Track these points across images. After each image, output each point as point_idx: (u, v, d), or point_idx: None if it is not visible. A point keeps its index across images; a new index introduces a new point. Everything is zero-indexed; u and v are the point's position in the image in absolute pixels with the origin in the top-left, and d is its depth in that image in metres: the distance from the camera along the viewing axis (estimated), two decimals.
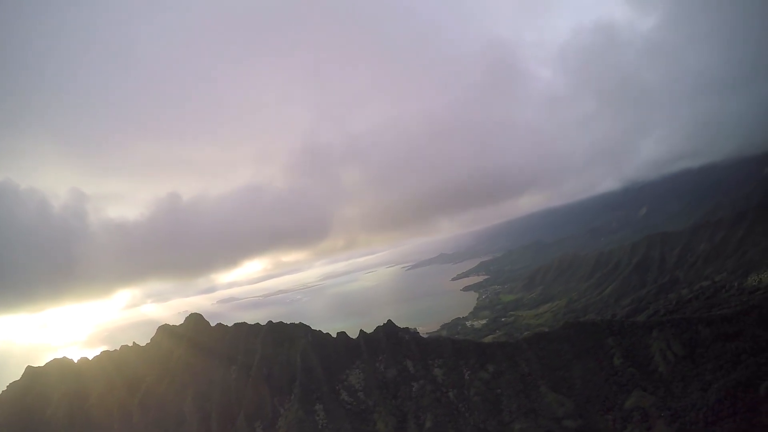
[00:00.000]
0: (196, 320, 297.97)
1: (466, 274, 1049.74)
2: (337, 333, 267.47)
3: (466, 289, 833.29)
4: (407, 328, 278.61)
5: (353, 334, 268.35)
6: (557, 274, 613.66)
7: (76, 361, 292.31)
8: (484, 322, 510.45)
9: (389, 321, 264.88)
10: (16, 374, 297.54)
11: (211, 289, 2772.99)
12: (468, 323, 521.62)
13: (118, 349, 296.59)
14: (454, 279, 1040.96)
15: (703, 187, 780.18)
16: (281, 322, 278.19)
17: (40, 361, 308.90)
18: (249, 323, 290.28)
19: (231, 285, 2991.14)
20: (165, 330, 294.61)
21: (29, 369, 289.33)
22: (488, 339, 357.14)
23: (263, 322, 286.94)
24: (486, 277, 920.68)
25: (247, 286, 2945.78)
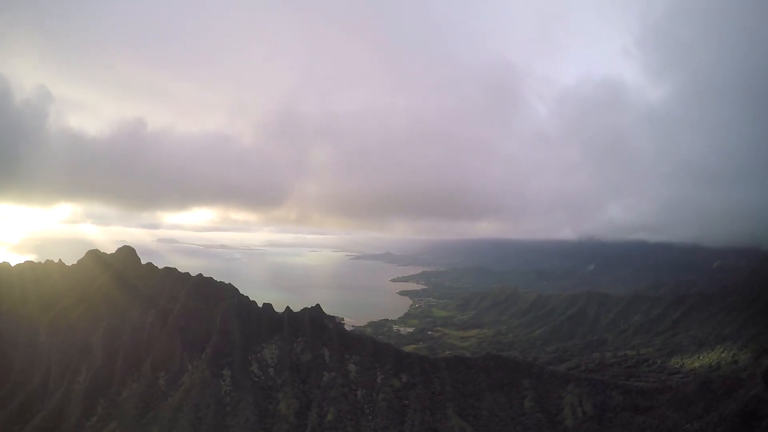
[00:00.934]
0: (127, 254, 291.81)
1: (406, 279, 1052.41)
2: (263, 304, 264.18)
3: (403, 293, 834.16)
4: (334, 317, 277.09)
5: (279, 309, 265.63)
6: (493, 303, 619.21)
7: None
8: (410, 330, 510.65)
9: (317, 305, 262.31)
10: None
11: (155, 226, 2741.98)
12: (395, 327, 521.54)
13: (42, 262, 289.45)
14: (393, 280, 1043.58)
15: (652, 263, 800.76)
16: (211, 278, 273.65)
17: None
18: (179, 270, 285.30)
19: (175, 227, 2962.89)
20: (94, 255, 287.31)
21: None
22: (409, 348, 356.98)
23: (195, 272, 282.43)
24: (425, 287, 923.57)
25: (191, 232, 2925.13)
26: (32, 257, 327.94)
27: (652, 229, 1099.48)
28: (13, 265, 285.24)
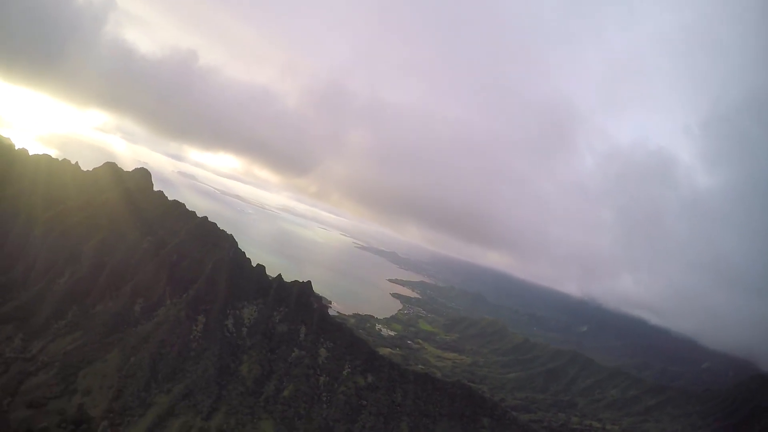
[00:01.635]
0: (142, 176, 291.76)
1: (403, 283, 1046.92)
2: (258, 264, 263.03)
3: (396, 295, 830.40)
4: (322, 297, 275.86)
5: (272, 274, 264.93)
6: (479, 333, 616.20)
7: (16, 147, 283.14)
8: (392, 334, 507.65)
9: (308, 282, 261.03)
10: None
11: (179, 158, 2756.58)
12: (378, 326, 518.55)
13: (60, 159, 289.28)
14: (391, 280, 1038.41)
15: (645, 343, 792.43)
16: (215, 224, 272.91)
17: None
18: (187, 207, 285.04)
19: (198, 165, 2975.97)
20: (110, 168, 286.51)
21: None
22: (384, 351, 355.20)
23: (202, 214, 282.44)
24: (419, 296, 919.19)
25: (212, 174, 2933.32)
26: (54, 152, 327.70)
27: (655, 311, 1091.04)
28: (31, 153, 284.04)
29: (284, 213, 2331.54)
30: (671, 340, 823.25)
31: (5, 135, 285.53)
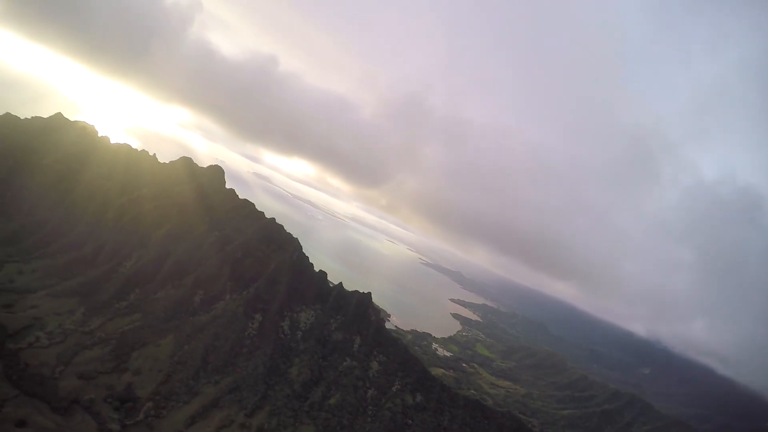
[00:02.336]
0: (215, 172, 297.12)
1: (465, 304, 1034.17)
2: (320, 270, 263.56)
3: (456, 316, 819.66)
4: (381, 310, 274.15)
5: (333, 279, 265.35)
6: (536, 364, 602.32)
7: (99, 135, 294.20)
8: (447, 354, 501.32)
9: (369, 294, 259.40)
10: (46, 113, 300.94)
11: (255, 160, 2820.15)
12: (434, 345, 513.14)
13: (139, 150, 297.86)
14: (453, 300, 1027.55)
15: (709, 393, 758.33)
16: (281, 226, 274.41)
17: (74, 115, 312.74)
18: (257, 208, 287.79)
19: (273, 168, 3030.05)
20: (186, 162, 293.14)
21: (58, 115, 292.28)
22: (437, 371, 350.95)
23: (276, 216, 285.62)
24: (479, 319, 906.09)
25: (286, 178, 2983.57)
26: (137, 143, 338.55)
27: (725, 360, 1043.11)
28: (112, 142, 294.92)
29: (353, 222, 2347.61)
30: (738, 393, 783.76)
31: (90, 123, 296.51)
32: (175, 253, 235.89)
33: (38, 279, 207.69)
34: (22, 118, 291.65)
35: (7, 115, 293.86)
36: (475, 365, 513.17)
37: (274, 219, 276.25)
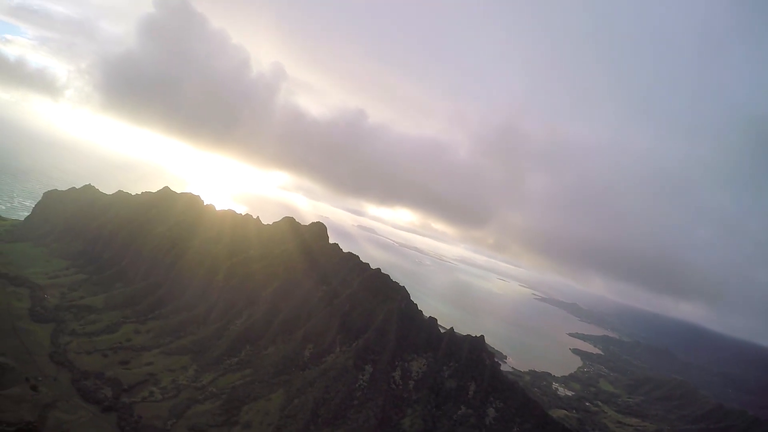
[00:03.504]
0: (318, 229, 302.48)
1: (583, 337, 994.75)
2: (429, 316, 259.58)
3: (575, 351, 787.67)
4: (495, 352, 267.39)
5: (444, 323, 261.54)
6: (665, 395, 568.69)
7: (205, 203, 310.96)
8: (569, 393, 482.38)
9: (481, 337, 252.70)
10: (155, 188, 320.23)
11: (358, 213, 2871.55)
12: (554, 385, 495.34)
13: (243, 214, 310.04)
14: (571, 334, 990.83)
15: None
16: (387, 275, 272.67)
17: (180, 188, 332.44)
18: (361, 259, 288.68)
19: (376, 219, 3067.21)
20: (289, 221, 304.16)
21: (166, 189, 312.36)
22: (559, 413, 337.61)
23: (383, 265, 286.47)
24: (600, 352, 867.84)
25: (390, 227, 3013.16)
26: (244, 208, 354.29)
27: None
28: (218, 209, 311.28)
29: (461, 264, 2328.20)
30: None
31: (196, 193, 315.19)
32: (284, 310, 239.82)
33: (153, 338, 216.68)
34: (133, 194, 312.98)
35: (120, 192, 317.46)
36: (600, 403, 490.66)
37: (379, 269, 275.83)
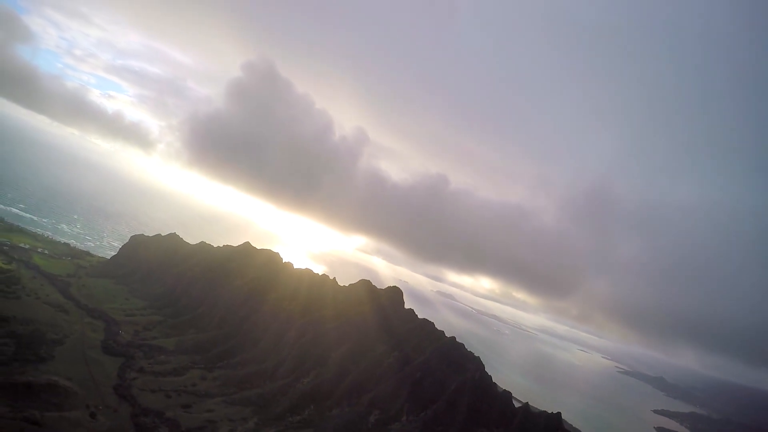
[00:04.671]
0: (394, 293, 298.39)
1: (670, 414, 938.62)
2: (504, 390, 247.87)
3: (660, 430, 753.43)
4: (572, 431, 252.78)
5: (520, 397, 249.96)
6: None
7: (283, 260, 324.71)
8: None
9: (558, 414, 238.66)
10: (235, 242, 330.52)
11: (438, 279, 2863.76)
12: None
13: (320, 273, 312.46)
14: (656, 411, 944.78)
15: None
16: (462, 345, 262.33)
17: (261, 244, 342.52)
18: (437, 326, 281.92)
19: (456, 285, 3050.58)
20: (365, 284, 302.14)
21: (247, 244, 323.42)
22: None
23: (460, 332, 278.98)
24: (687, 431, 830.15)
25: (469, 294, 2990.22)
26: (322, 268, 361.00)
27: None
28: (295, 267, 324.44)
29: (541, 334, 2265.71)
30: None
31: (275, 250, 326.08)
32: (353, 372, 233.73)
33: (218, 386, 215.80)
34: (215, 245, 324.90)
35: (203, 243, 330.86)
36: None
37: (454, 338, 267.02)
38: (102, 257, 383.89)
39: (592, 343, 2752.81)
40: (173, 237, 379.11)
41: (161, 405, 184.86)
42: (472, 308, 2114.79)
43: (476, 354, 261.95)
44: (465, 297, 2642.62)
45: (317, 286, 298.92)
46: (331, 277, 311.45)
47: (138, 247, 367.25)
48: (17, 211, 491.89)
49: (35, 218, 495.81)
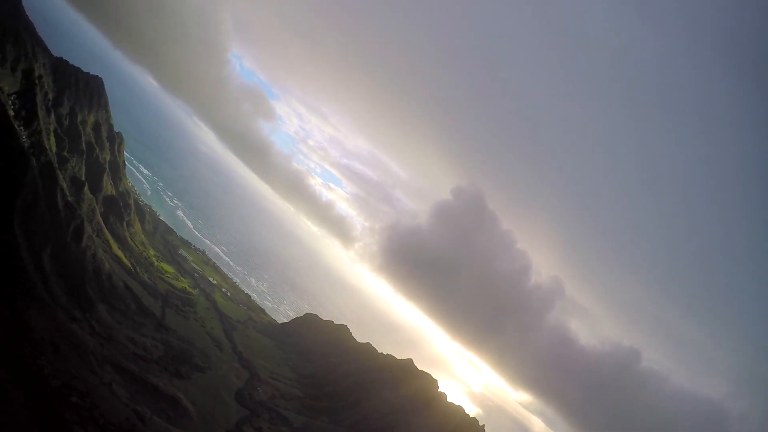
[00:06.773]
0: None
1: None
2: None
3: None
4: None
5: None
6: None
7: (438, 389, 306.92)
8: None
9: None
10: (400, 354, 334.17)
11: None
12: None
13: (470, 416, 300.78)
14: None
15: None
16: None
17: (422, 365, 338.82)
18: None
19: None
20: None
21: (409, 361, 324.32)
22: None
23: None
24: None
25: None
26: (474, 409, 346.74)
27: None
28: (447, 399, 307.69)
29: None
30: None
31: (436, 376, 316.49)
32: None
33: None
34: (379, 351, 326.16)
35: (369, 344, 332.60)
36: None
37: None
38: (273, 320, 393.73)
39: None
40: (343, 328, 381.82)
41: None
42: None
43: None
44: None
45: (464, 427, 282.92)
46: (481, 423, 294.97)
47: (309, 324, 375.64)
48: (219, 251, 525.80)
49: (231, 263, 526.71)
